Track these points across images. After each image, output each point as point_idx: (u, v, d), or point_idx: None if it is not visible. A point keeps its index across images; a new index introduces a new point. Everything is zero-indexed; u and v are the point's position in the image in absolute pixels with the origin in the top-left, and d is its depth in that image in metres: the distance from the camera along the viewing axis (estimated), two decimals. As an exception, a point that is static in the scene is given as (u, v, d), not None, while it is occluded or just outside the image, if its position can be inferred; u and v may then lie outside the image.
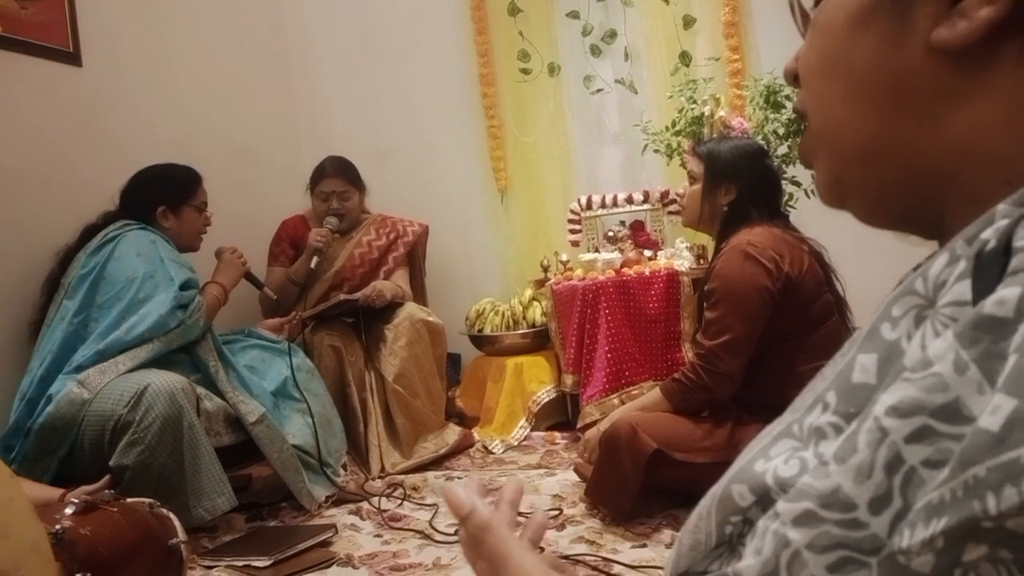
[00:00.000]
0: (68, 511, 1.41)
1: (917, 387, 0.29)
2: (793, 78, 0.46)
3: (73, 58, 2.55)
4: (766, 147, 2.56)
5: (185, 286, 2.19)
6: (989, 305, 0.28)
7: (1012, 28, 0.34)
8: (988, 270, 0.30)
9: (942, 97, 0.37)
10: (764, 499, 0.36)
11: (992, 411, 0.26)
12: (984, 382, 0.27)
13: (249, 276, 2.57)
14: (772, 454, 0.37)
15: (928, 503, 0.27)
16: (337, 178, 2.92)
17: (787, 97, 2.56)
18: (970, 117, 0.36)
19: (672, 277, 2.81)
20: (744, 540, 0.37)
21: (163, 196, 2.35)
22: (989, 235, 0.31)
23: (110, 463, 1.88)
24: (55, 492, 1.54)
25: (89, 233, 2.27)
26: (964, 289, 0.30)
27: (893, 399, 0.30)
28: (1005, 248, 0.30)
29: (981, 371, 0.27)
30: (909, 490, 0.28)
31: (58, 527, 1.34)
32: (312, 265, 2.73)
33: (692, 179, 1.92)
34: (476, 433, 2.89)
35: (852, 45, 0.40)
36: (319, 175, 2.95)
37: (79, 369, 1.99)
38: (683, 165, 2.29)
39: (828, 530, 0.30)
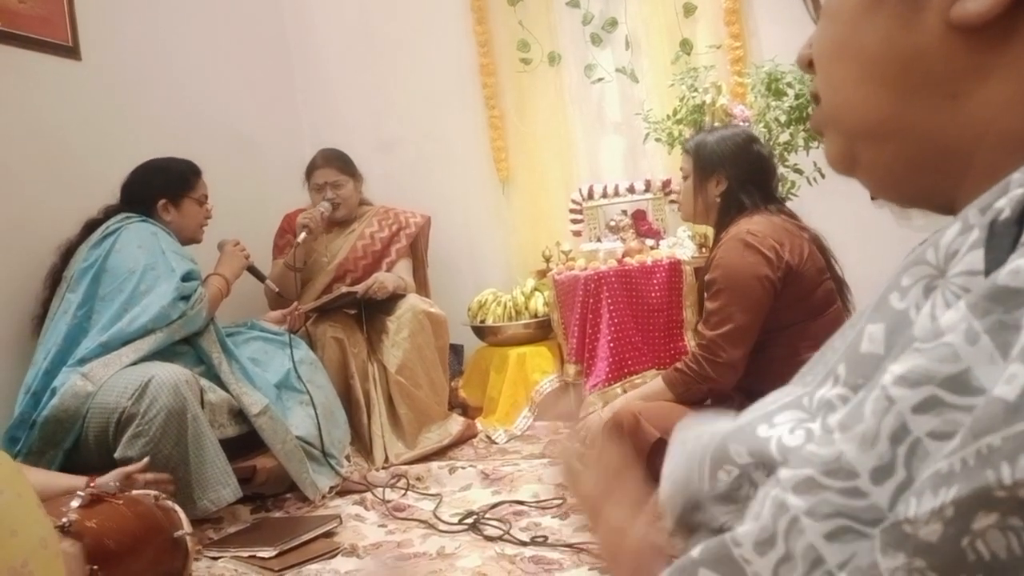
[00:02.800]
0: (74, 504, 1.42)
1: (927, 357, 0.28)
2: (808, 65, 0.46)
3: (72, 52, 2.54)
4: (766, 134, 2.57)
5: (187, 277, 2.19)
6: (1004, 275, 0.27)
7: None
8: (1001, 239, 0.30)
9: (958, 75, 0.36)
10: (766, 464, 0.36)
11: (1008, 380, 0.25)
12: (996, 353, 0.27)
13: (252, 269, 2.58)
14: (777, 421, 0.37)
15: (937, 472, 0.26)
16: (327, 168, 2.93)
17: (788, 84, 2.55)
18: (987, 95, 0.36)
19: (674, 266, 2.81)
20: (740, 495, 0.37)
21: (164, 189, 2.36)
22: (1003, 204, 0.30)
23: (115, 455, 1.89)
24: (80, 480, 1.54)
25: (90, 227, 2.27)
26: (976, 258, 0.30)
27: (902, 368, 0.29)
28: (1020, 217, 0.30)
29: (994, 342, 0.27)
30: (913, 461, 0.28)
31: (64, 520, 1.35)
32: (299, 240, 2.72)
33: (684, 175, 1.93)
34: (479, 423, 2.90)
35: (865, 27, 0.40)
36: (311, 168, 2.97)
37: (83, 362, 2.00)
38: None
39: (828, 498, 0.30)
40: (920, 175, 0.40)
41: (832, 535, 0.30)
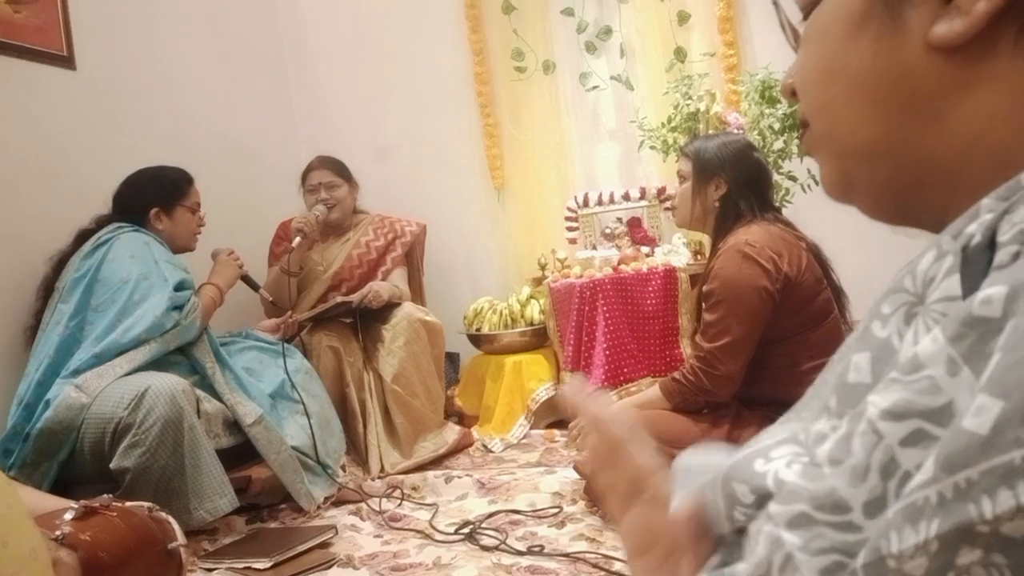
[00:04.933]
0: (68, 516, 1.41)
1: (910, 390, 0.29)
2: (791, 93, 0.46)
3: (67, 61, 2.54)
4: (760, 142, 2.57)
5: (180, 287, 2.18)
6: (977, 304, 0.28)
7: (1008, 16, 0.34)
8: (975, 264, 0.30)
9: (943, 93, 0.37)
10: (764, 500, 0.36)
11: (976, 412, 0.26)
12: (976, 384, 0.27)
13: (245, 278, 2.57)
14: (773, 456, 0.37)
15: (912, 504, 0.27)
16: (322, 170, 2.94)
17: (782, 92, 2.56)
18: (972, 110, 0.36)
19: (669, 273, 2.81)
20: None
21: (156, 198, 2.35)
22: (974, 229, 0.31)
23: (111, 466, 1.88)
24: (69, 504, 1.53)
25: (83, 237, 2.26)
26: (953, 284, 0.30)
27: (887, 402, 0.29)
28: (990, 242, 0.30)
29: (973, 373, 0.27)
30: (903, 494, 0.28)
31: (58, 532, 1.34)
32: (294, 245, 2.72)
33: (682, 178, 1.92)
34: (475, 432, 2.89)
35: (849, 51, 0.40)
36: (306, 171, 2.98)
37: (76, 373, 1.99)
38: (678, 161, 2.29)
39: (822, 532, 0.30)
40: (915, 194, 0.41)
41: (826, 571, 0.30)
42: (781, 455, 0.36)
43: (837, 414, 0.34)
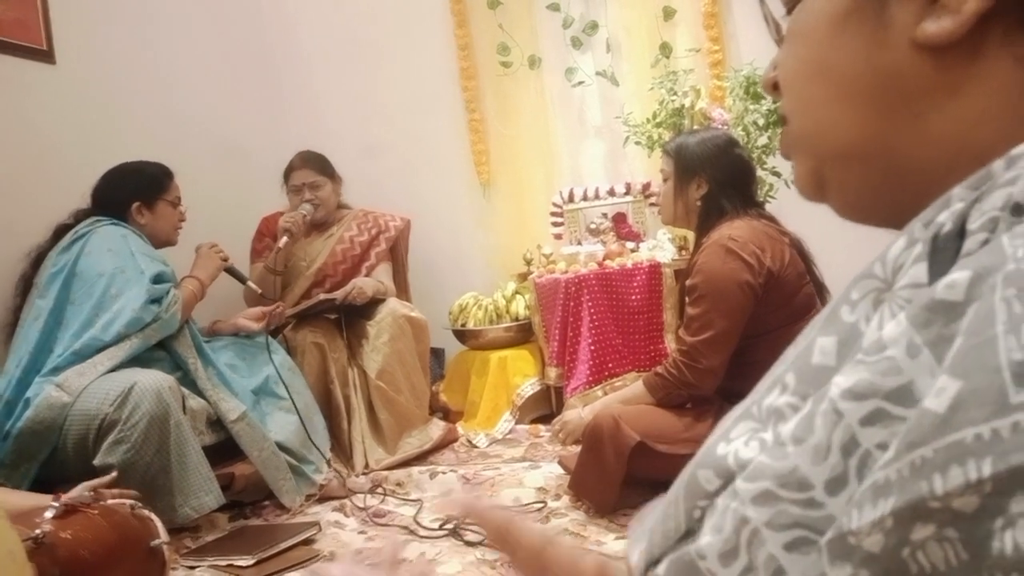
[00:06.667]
0: (48, 515, 1.40)
1: (871, 370, 0.29)
2: (772, 87, 0.46)
3: (47, 56, 2.51)
4: (744, 137, 2.58)
5: (157, 279, 2.16)
6: (940, 289, 0.28)
7: (995, 16, 0.34)
8: (944, 252, 0.30)
9: (927, 94, 0.37)
10: (729, 482, 0.37)
11: (937, 393, 0.26)
12: (936, 366, 0.28)
13: (231, 270, 2.55)
14: (732, 436, 0.37)
15: (875, 483, 0.27)
16: (305, 169, 2.91)
17: (766, 88, 2.57)
18: (956, 111, 0.36)
19: (654, 269, 2.82)
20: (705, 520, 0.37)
21: (136, 192, 2.33)
22: (944, 218, 0.31)
23: (95, 462, 1.86)
24: (46, 499, 1.52)
25: (61, 232, 2.24)
26: (921, 271, 0.31)
27: (848, 382, 0.30)
28: (960, 231, 0.30)
29: (933, 354, 0.28)
30: (864, 472, 0.29)
31: (38, 531, 1.33)
32: (280, 245, 2.70)
33: (665, 177, 1.93)
34: (460, 427, 2.89)
35: (832, 48, 0.40)
36: (288, 170, 2.95)
37: (56, 371, 1.97)
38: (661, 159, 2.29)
39: (786, 509, 0.31)
40: (889, 195, 0.40)
41: (791, 545, 0.30)
42: (739, 434, 0.37)
43: (794, 391, 0.35)
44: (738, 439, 0.36)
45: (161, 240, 2.38)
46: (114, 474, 1.60)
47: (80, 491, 1.48)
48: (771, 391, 0.36)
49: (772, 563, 0.31)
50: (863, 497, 0.27)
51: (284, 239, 2.70)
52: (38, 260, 2.21)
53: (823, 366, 0.34)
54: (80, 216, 2.28)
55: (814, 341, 0.35)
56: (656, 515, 0.41)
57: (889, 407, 0.28)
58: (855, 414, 0.29)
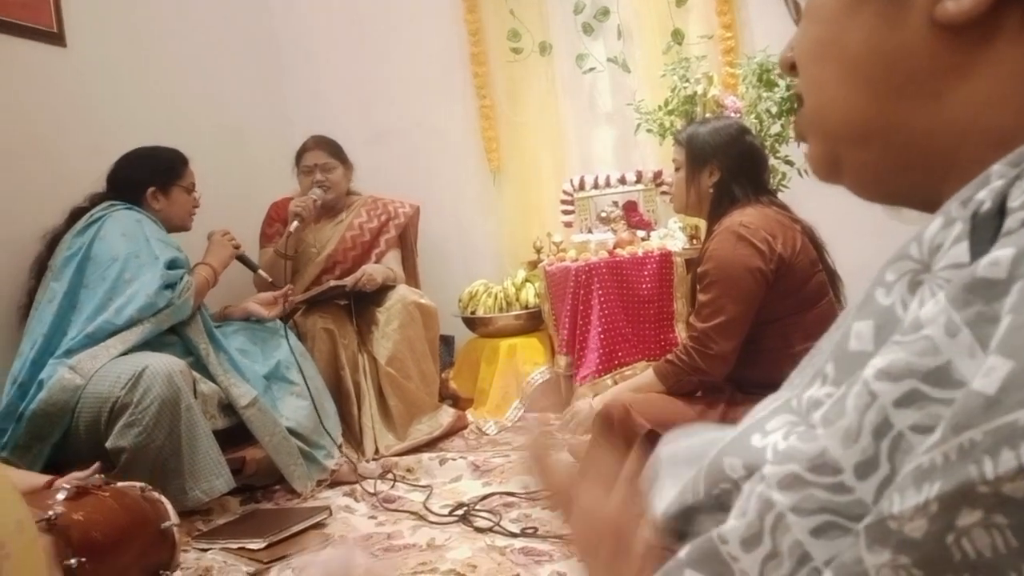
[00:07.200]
0: (60, 496, 1.41)
1: (908, 350, 0.28)
2: (789, 67, 0.46)
3: (57, 38, 2.51)
4: (757, 126, 2.56)
5: (171, 265, 2.18)
6: (983, 267, 0.27)
7: (1013, 0, 0.34)
8: (983, 231, 0.30)
9: (942, 74, 0.36)
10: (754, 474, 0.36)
11: (986, 373, 0.25)
12: (976, 345, 0.27)
13: (242, 258, 2.55)
14: (769, 428, 0.37)
15: (918, 467, 0.26)
16: (318, 150, 2.91)
17: (780, 75, 2.54)
18: (971, 93, 0.36)
19: (665, 257, 2.81)
20: (731, 502, 0.37)
21: (152, 177, 2.34)
22: (984, 196, 0.31)
23: (107, 445, 1.88)
24: (41, 479, 1.53)
25: (76, 215, 2.25)
26: (962, 251, 0.30)
27: (883, 362, 0.29)
28: (1000, 209, 0.30)
29: (973, 334, 0.27)
30: (897, 456, 0.28)
31: (51, 512, 1.34)
32: (291, 229, 2.69)
33: (677, 166, 1.92)
34: (470, 415, 2.89)
35: (847, 27, 0.40)
36: (301, 151, 2.95)
37: (69, 353, 1.98)
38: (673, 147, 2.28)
39: (813, 493, 0.30)
40: (905, 174, 0.40)
41: (818, 531, 0.30)
42: (776, 427, 0.36)
43: (834, 381, 0.34)
44: (776, 432, 0.36)
45: (175, 225, 2.39)
46: (98, 464, 1.58)
47: (69, 480, 1.48)
48: (812, 384, 0.36)
49: (797, 549, 0.30)
50: (905, 481, 0.27)
51: (295, 223, 2.70)
52: (53, 243, 2.22)
53: (860, 351, 0.33)
54: (95, 200, 2.29)
55: (850, 327, 0.34)
56: (667, 480, 0.41)
57: (926, 388, 0.28)
58: (889, 395, 0.28)
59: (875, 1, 0.38)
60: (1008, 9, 0.34)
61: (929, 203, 0.40)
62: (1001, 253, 0.27)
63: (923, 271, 0.32)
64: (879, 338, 0.33)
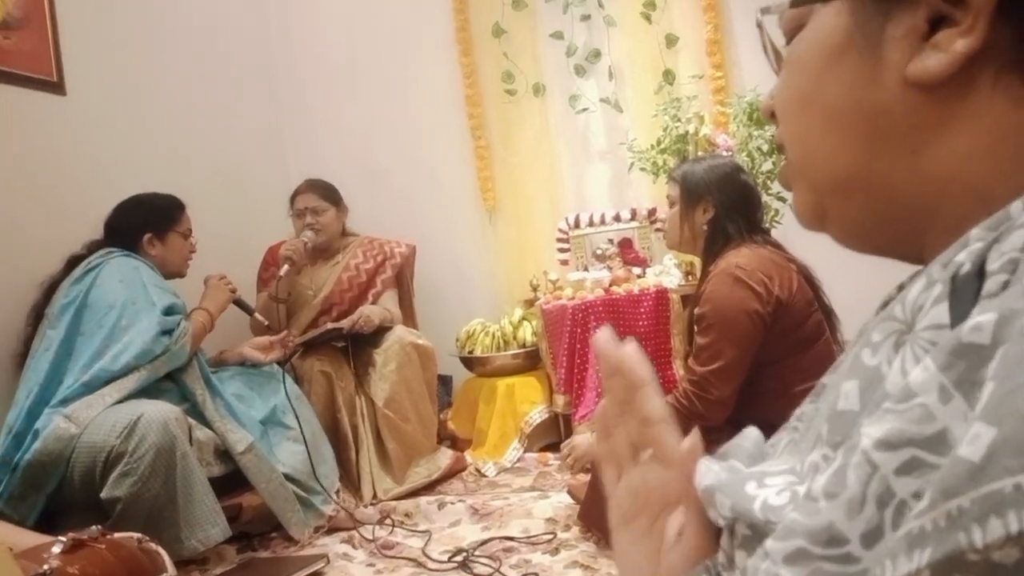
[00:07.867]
0: (55, 550, 1.39)
1: (903, 419, 0.29)
2: (771, 115, 0.46)
3: (57, 87, 2.54)
4: (748, 163, 2.59)
5: (168, 311, 2.17)
6: (966, 332, 0.28)
7: (986, 57, 0.34)
8: (963, 293, 0.30)
9: (919, 129, 0.37)
10: (751, 527, 0.36)
11: (971, 440, 0.26)
12: (968, 410, 0.27)
13: (239, 302, 2.55)
14: (768, 483, 0.37)
15: (908, 533, 0.27)
16: (309, 193, 2.93)
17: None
18: (949, 148, 0.36)
19: (661, 294, 2.81)
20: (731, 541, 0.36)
21: (148, 224, 2.35)
22: (963, 258, 0.31)
23: (101, 495, 1.85)
24: (39, 539, 1.50)
25: (73, 262, 2.25)
26: (941, 312, 0.31)
27: (880, 432, 0.29)
28: (979, 271, 0.30)
29: (965, 399, 0.27)
30: (900, 523, 0.28)
31: (46, 567, 1.32)
32: (282, 273, 2.70)
33: (671, 203, 1.93)
34: (468, 456, 2.87)
35: (826, 81, 0.40)
36: (294, 195, 2.97)
37: (65, 402, 1.97)
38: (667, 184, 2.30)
39: (821, 567, 0.30)
40: (888, 227, 0.41)
41: None
42: (775, 484, 0.37)
43: (828, 443, 0.34)
44: (772, 487, 0.36)
45: (171, 271, 2.39)
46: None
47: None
48: (814, 448, 0.36)
49: None
50: (897, 547, 0.27)
51: (285, 267, 2.70)
52: (50, 290, 2.22)
53: (847, 411, 0.34)
54: (93, 247, 2.29)
55: (839, 387, 0.35)
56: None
57: (924, 455, 0.28)
58: (889, 464, 0.29)
59: (852, 56, 0.38)
60: (981, 65, 0.34)
61: (913, 256, 0.41)
62: (984, 319, 0.28)
63: (906, 332, 0.32)
64: (864, 397, 0.33)
